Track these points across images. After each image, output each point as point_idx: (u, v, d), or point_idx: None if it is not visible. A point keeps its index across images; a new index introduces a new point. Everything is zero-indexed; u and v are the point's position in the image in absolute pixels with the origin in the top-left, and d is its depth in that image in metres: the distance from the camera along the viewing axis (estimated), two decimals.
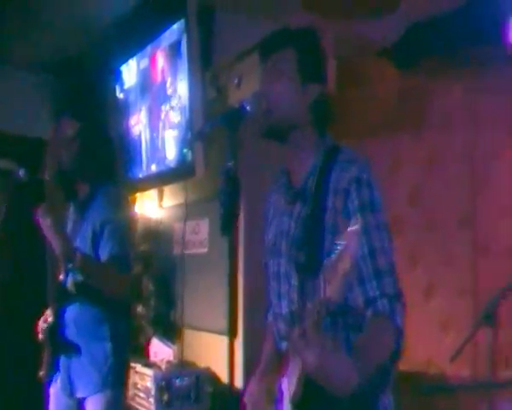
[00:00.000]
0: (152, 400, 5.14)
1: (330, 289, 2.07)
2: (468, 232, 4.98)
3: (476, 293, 4.77)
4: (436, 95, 5.22)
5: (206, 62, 5.14)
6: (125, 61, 6.42)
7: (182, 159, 5.50)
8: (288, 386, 2.41)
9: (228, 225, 2.35)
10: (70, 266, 3.54)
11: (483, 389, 3.97)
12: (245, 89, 4.70)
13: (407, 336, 5.14)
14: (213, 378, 5.24)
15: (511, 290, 3.65)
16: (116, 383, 3.78)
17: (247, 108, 2.49)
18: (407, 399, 4.84)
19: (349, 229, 2.06)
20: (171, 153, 5.69)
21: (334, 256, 2.06)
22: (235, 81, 4.84)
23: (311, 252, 2.43)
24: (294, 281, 2.53)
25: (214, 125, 2.55)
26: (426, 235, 5.23)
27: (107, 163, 3.94)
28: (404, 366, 4.98)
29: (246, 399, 2.67)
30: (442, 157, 5.18)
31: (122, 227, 3.75)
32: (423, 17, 4.85)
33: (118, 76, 6.51)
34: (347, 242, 2.04)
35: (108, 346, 3.76)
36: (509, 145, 4.86)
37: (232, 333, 2.47)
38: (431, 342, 5.08)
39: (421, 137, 5.29)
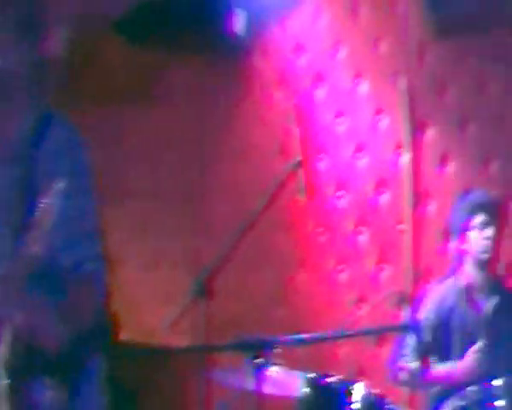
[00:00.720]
0: None
1: (34, 249, 2.11)
2: (192, 207, 5.16)
3: (198, 267, 4.94)
4: (165, 72, 5.34)
5: None
6: None
7: None
8: (2, 351, 2.42)
9: None
10: None
11: (197, 355, 4.16)
12: None
13: (132, 307, 5.22)
14: None
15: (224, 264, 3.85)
16: None
17: None
18: (128, 366, 4.96)
19: (55, 190, 2.11)
20: None
21: (38, 216, 2.11)
22: None
23: (23, 214, 2.45)
24: (9, 243, 2.53)
25: None
26: (153, 206, 5.35)
27: None
28: (128, 335, 5.08)
29: None
30: (170, 132, 5.31)
31: None
32: None
33: None
34: (53, 202, 2.10)
35: None
36: (231, 124, 5.12)
37: None
38: (154, 313, 5.19)
39: (150, 112, 5.38)
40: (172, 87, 5.37)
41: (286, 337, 3.35)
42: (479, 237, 4.22)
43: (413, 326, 3.30)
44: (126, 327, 5.01)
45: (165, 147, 5.36)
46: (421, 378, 4.21)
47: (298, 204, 4.86)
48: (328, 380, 3.35)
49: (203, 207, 5.15)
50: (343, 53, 5.11)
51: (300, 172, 4.36)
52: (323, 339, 3.64)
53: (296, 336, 3.38)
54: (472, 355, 4.13)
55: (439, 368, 4.22)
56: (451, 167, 4.98)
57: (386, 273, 4.93)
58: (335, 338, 4.00)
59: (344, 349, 4.86)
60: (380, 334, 4.66)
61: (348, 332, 3.72)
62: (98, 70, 5.43)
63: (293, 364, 3.66)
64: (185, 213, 5.19)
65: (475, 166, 4.96)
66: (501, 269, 4.61)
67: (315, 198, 4.82)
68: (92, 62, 5.42)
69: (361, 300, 4.82)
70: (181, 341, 4.86)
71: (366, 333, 4.21)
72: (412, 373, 4.21)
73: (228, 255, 4.29)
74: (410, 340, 3.35)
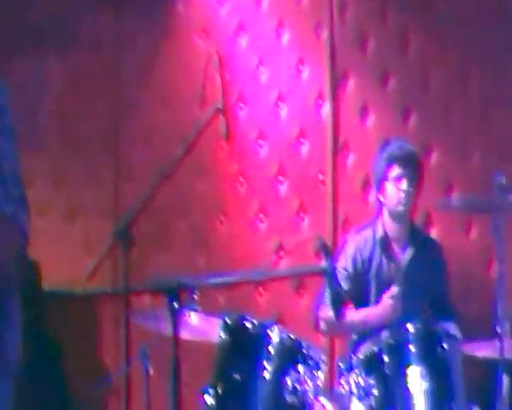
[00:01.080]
0: None
1: None
2: (110, 154, 5.10)
3: (118, 215, 4.91)
4: (85, 15, 5.25)
5: None
6: None
7: None
8: None
9: None
10: None
11: (118, 300, 4.15)
12: None
13: (53, 256, 5.15)
14: None
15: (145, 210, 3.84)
16: None
17: None
18: (52, 315, 4.92)
19: None
20: None
21: None
22: None
23: None
24: None
25: None
26: (69, 154, 5.27)
27: None
28: (50, 284, 5.03)
29: None
30: (89, 76, 5.23)
31: None
32: None
33: None
34: None
35: None
36: (151, 69, 5.09)
37: None
38: (75, 261, 5.15)
39: (67, 56, 5.28)
40: (92, 31, 5.29)
41: (204, 279, 3.35)
42: (394, 189, 4.28)
43: (331, 274, 3.34)
44: (48, 276, 4.96)
45: (83, 92, 5.28)
46: (338, 327, 4.30)
47: (218, 151, 4.86)
48: (246, 324, 3.37)
49: (123, 153, 5.10)
50: (266, 2, 5.11)
51: (222, 119, 4.39)
52: (242, 280, 3.66)
53: (215, 278, 3.38)
54: (386, 300, 4.23)
55: (355, 313, 4.31)
56: (372, 119, 5.06)
57: (306, 222, 5.00)
58: (254, 280, 4.03)
59: (264, 296, 4.92)
60: (297, 276, 4.75)
61: (267, 274, 3.75)
62: (12, 11, 5.30)
63: (212, 310, 3.69)
64: (105, 160, 5.13)
65: (395, 118, 5.04)
66: (419, 219, 4.73)
67: (236, 146, 4.84)
68: (8, 6, 5.28)
69: (281, 248, 4.87)
70: (102, 287, 4.84)
71: (284, 275, 4.25)
72: (330, 322, 4.30)
73: (148, 202, 4.29)
74: (329, 289, 3.39)
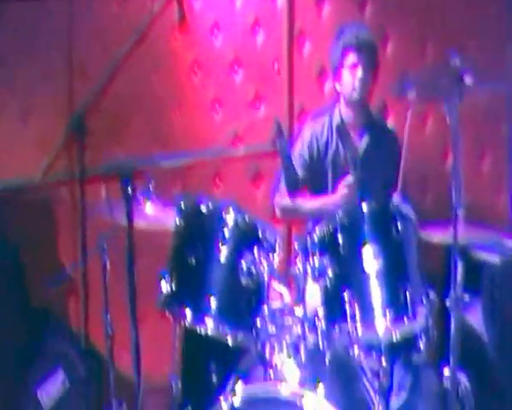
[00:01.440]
0: None
1: None
2: (63, 51, 4.95)
3: (73, 111, 4.83)
4: None
5: None
6: None
7: None
8: None
9: None
10: None
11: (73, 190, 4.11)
12: None
13: (5, 158, 5.10)
14: None
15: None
16: None
17: None
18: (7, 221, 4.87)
19: None
20: None
21: None
22: None
23: None
24: None
25: None
26: (21, 53, 5.12)
27: None
28: (3, 186, 4.96)
29: None
30: None
31: None
32: None
33: None
34: None
35: None
36: None
37: None
38: (30, 162, 5.08)
39: None
40: None
41: (158, 161, 3.32)
42: (349, 77, 4.28)
43: (286, 154, 3.34)
44: (2, 178, 4.87)
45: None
46: (294, 212, 4.35)
47: (173, 41, 4.76)
48: (201, 208, 3.35)
49: (76, 49, 4.92)
50: None
51: (175, 5, 4.28)
52: (196, 160, 3.64)
53: (169, 160, 3.36)
54: (342, 188, 4.26)
55: (311, 201, 4.35)
56: (327, 7, 5.03)
57: (262, 111, 4.99)
58: (208, 159, 4.01)
59: (220, 188, 4.93)
60: (252, 157, 4.86)
61: (221, 153, 3.73)
62: None
63: (167, 197, 3.68)
64: (57, 57, 4.96)
65: (351, 6, 5.02)
66: (376, 108, 4.74)
67: (190, 36, 4.74)
68: None
69: (237, 137, 4.88)
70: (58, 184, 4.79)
71: (239, 155, 4.24)
72: (285, 208, 4.35)
73: (102, 94, 4.22)
74: (284, 169, 3.37)
